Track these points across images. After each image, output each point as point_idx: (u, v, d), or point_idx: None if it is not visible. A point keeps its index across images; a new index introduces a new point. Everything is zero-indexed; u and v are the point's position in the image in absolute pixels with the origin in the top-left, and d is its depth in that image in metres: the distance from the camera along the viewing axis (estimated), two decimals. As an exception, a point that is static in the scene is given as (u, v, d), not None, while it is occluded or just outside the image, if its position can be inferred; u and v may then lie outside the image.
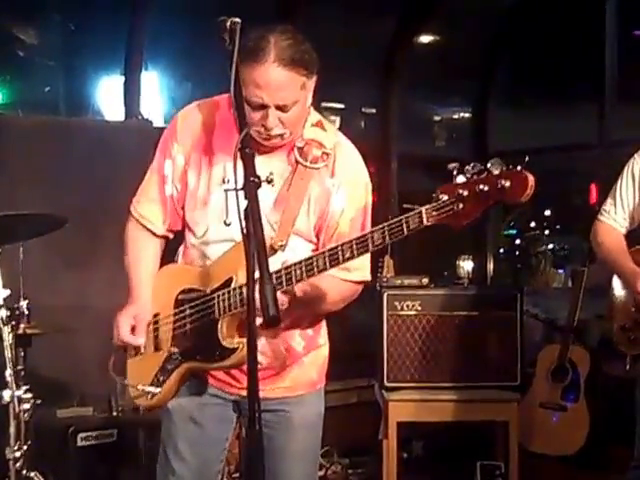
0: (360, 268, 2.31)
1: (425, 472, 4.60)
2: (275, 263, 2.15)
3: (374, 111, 5.91)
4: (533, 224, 7.34)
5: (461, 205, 1.89)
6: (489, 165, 1.88)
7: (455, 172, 1.92)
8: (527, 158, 1.87)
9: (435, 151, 6.53)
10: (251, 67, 2.10)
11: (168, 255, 2.47)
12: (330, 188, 2.29)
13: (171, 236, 2.44)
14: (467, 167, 1.90)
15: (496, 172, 1.87)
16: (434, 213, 1.92)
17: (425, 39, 6.10)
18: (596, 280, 4.29)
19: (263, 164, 2.23)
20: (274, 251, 2.19)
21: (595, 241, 3.30)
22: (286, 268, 2.12)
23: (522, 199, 1.86)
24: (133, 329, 2.32)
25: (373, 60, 5.69)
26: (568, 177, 6.43)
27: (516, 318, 4.19)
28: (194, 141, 2.32)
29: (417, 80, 5.89)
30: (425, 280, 4.29)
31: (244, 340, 2.09)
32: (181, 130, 2.34)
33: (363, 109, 5.96)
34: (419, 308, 4.19)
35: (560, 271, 6.64)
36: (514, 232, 7.30)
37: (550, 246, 7.01)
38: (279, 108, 2.15)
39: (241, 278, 2.13)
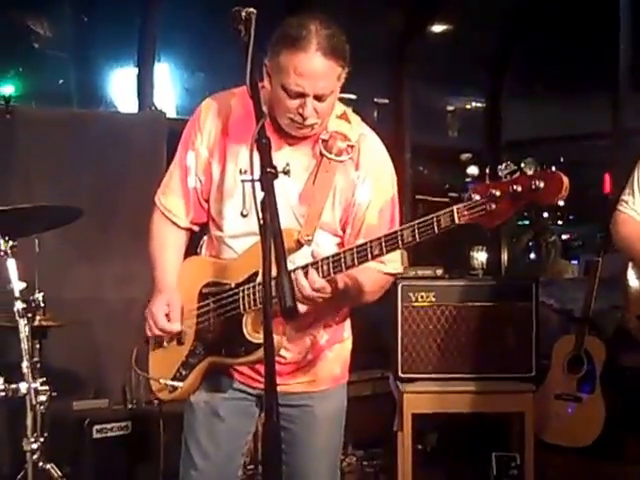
0: (394, 260, 2.31)
1: (440, 464, 4.57)
2: (301, 257, 2.15)
3: (387, 101, 5.88)
4: (546, 214, 7.31)
5: (493, 205, 1.87)
6: (522, 165, 1.86)
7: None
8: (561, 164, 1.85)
9: (448, 141, 6.50)
10: (293, 55, 2.10)
11: (191, 246, 2.47)
12: (355, 180, 2.28)
13: (196, 229, 2.43)
14: (500, 167, 1.88)
15: (530, 172, 1.85)
16: (466, 212, 1.91)
17: (438, 28, 6.08)
18: (611, 270, 4.26)
19: (288, 156, 2.22)
20: (301, 245, 2.18)
21: (614, 231, 3.27)
22: (313, 264, 2.10)
23: (556, 200, 1.84)
24: (167, 316, 2.30)
25: (385, 50, 5.66)
26: (582, 167, 6.40)
27: (531, 309, 4.16)
28: (217, 133, 2.31)
29: (429, 70, 5.86)
30: (439, 271, 4.28)
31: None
32: (204, 122, 2.33)
33: (375, 99, 5.94)
34: (433, 299, 4.18)
35: (574, 262, 6.61)
36: (527, 223, 7.27)
37: (564, 237, 6.98)
38: (317, 97, 2.15)
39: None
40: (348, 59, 2.17)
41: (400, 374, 4.15)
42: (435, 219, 1.95)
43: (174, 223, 2.40)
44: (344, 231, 2.32)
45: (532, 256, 7.01)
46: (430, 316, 4.18)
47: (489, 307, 4.17)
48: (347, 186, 2.28)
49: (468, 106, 6.78)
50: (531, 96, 6.46)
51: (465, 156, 6.46)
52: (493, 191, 1.87)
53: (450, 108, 6.68)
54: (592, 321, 4.61)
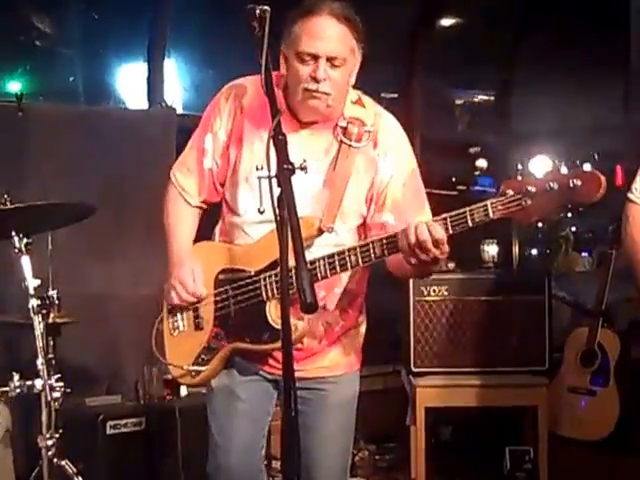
0: None
1: (453, 458, 4.56)
2: (323, 244, 2.18)
3: (395, 96, 5.86)
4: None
5: (529, 201, 1.87)
6: (556, 162, 1.86)
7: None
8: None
9: (457, 135, 6.48)
10: (306, 20, 2.17)
11: (203, 231, 2.48)
12: (375, 158, 2.30)
13: (205, 207, 2.47)
14: (533, 162, 1.88)
15: (565, 170, 1.84)
16: (500, 207, 1.91)
17: (447, 22, 6.05)
18: (624, 262, 4.23)
19: (309, 139, 2.26)
20: (322, 232, 2.21)
21: (625, 230, 3.19)
22: (339, 254, 2.12)
23: (593, 200, 1.84)
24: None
25: (394, 44, 5.63)
26: (590, 158, 6.37)
27: (544, 302, 4.16)
28: (236, 118, 2.34)
29: (438, 63, 5.84)
30: (451, 265, 4.29)
31: (296, 322, 2.13)
32: (223, 107, 2.36)
33: (382, 94, 5.92)
34: (446, 293, 4.18)
35: (584, 254, 6.59)
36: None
37: (573, 229, 6.95)
38: (329, 60, 2.18)
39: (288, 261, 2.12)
40: (362, 35, 2.21)
41: (413, 368, 4.15)
42: (469, 212, 1.94)
43: (186, 201, 2.43)
44: (368, 208, 2.33)
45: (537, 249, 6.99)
46: (442, 310, 4.18)
47: (502, 301, 4.17)
48: (369, 165, 2.30)
49: (476, 99, 6.76)
50: (541, 88, 6.42)
51: (474, 149, 6.44)
52: (528, 187, 1.86)
53: (459, 101, 6.66)
54: (606, 314, 4.59)
